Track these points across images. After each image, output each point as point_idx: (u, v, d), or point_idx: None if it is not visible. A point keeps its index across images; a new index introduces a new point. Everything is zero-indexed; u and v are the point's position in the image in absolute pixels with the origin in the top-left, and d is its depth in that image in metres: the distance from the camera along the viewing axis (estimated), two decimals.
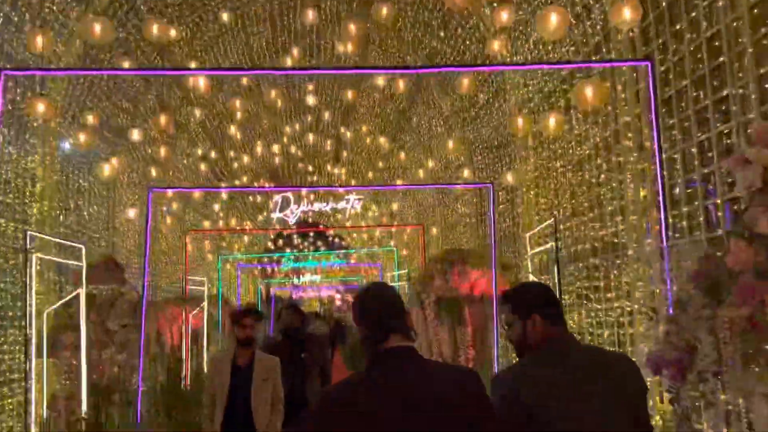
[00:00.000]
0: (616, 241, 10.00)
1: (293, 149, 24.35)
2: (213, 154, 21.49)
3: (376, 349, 2.59)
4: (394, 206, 23.24)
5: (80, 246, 10.24)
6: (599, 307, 10.49)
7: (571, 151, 11.83)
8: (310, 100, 16.88)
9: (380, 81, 15.43)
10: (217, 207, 25.90)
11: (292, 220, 11.34)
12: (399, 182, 21.02)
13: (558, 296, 9.90)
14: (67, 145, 13.92)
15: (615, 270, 9.99)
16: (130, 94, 17.42)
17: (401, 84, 15.51)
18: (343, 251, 32.33)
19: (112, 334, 11.06)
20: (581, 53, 11.10)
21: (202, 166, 23.12)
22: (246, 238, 33.38)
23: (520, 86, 14.04)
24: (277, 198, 11.01)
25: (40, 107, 8.61)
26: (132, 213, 16.96)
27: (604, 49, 10.18)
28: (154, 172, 18.69)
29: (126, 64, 12.10)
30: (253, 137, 25.78)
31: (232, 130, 18.27)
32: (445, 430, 2.41)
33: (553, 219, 9.16)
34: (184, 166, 23.53)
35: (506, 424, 2.63)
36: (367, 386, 2.51)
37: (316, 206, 11.29)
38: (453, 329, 12.67)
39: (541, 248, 10.79)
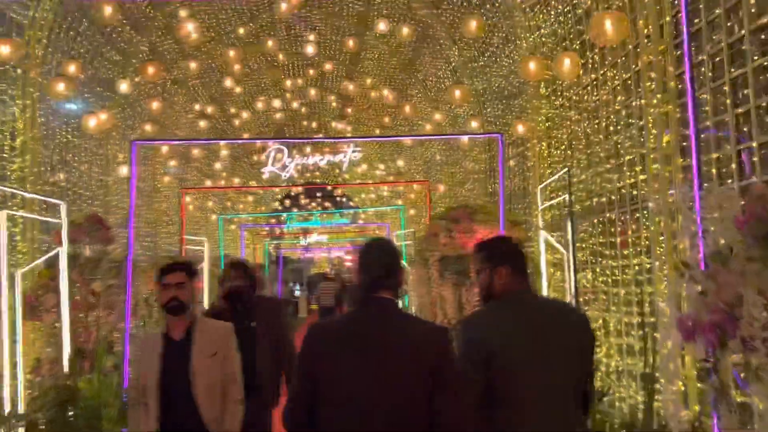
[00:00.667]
0: (634, 192, 9.21)
1: (295, 105, 23.54)
2: (212, 110, 20.62)
3: (363, 296, 2.98)
4: (400, 163, 22.41)
5: (59, 203, 9.55)
6: (615, 264, 9.76)
7: (586, 97, 10.95)
8: (311, 49, 15.97)
9: (382, 26, 14.44)
10: (218, 166, 25.23)
11: (285, 175, 10.59)
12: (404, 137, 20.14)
13: (571, 253, 9.17)
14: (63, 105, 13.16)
15: (633, 224, 9.23)
16: (120, 45, 16.57)
17: (405, 30, 14.58)
18: (347, 210, 31.64)
19: (98, 295, 10.48)
20: None
21: (201, 123, 22.34)
22: (251, 198, 32.75)
23: (532, 29, 13.07)
24: (270, 150, 10.24)
25: (4, 49, 7.89)
26: (125, 170, 16.29)
27: None
28: (149, 128, 17.95)
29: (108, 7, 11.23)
30: (253, 92, 24.99)
31: (229, 83, 17.37)
32: (406, 371, 2.78)
33: (566, 170, 8.33)
34: (183, 123, 22.76)
35: (468, 370, 2.93)
36: (346, 324, 3.03)
37: (311, 160, 10.52)
38: (458, 289, 12.02)
39: (553, 202, 10.01)
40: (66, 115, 14.25)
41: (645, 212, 8.90)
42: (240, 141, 19.12)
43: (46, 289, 10.05)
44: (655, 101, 8.42)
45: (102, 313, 10.58)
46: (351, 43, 16.63)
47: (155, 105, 15.46)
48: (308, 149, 10.65)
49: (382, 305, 2.94)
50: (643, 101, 8.65)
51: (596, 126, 10.45)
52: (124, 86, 13.83)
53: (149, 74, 13.14)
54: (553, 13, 12.10)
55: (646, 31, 8.53)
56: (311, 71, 22.35)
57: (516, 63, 14.43)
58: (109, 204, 17.01)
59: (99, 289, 10.24)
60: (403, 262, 17.07)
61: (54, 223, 10.39)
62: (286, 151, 10.35)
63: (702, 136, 7.50)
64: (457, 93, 13.18)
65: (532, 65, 10.33)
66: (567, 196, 8.36)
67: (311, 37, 16.77)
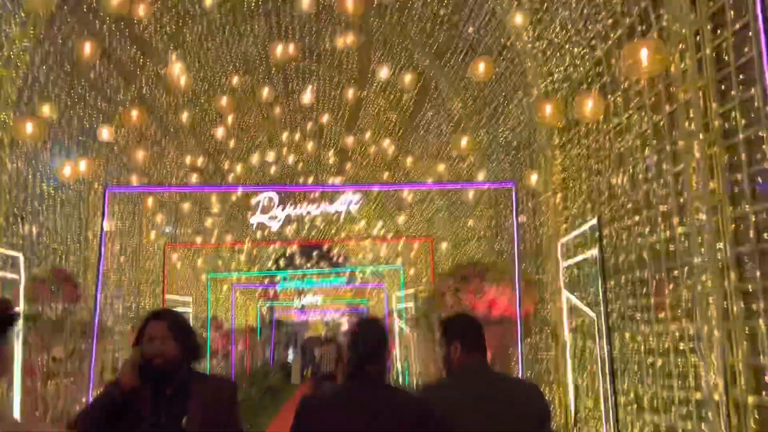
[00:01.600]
0: (671, 248, 8.09)
1: (291, 159, 22.69)
2: (204, 164, 19.70)
3: (352, 372, 3.35)
4: (400, 219, 21.39)
5: (16, 255, 8.40)
6: (649, 330, 8.55)
7: (608, 144, 9.97)
8: (309, 95, 15.16)
9: (383, 74, 13.64)
10: (209, 222, 24.19)
11: (275, 226, 9.49)
12: (405, 190, 19.16)
13: (604, 314, 7.98)
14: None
15: (671, 284, 8.07)
16: (107, 93, 15.75)
17: (408, 78, 13.79)
18: (343, 269, 30.43)
19: (59, 361, 9.18)
20: (620, 26, 9.29)
21: (193, 178, 21.36)
22: (243, 257, 31.56)
23: (544, 75, 12.23)
24: (260, 198, 9.19)
25: None
26: (106, 224, 15.21)
27: (652, 15, 8.37)
28: (135, 180, 16.95)
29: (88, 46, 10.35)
30: (248, 146, 24.21)
31: (221, 132, 16.48)
32: None
33: (595, 220, 7.25)
34: (173, 178, 21.82)
35: None
36: (337, 398, 3.38)
37: (305, 209, 9.45)
38: None
39: (576, 259, 8.88)
40: (41, 162, 13.25)
41: (685, 270, 7.76)
42: (223, 189, 18.08)
43: None
44: (695, 144, 7.40)
45: (63, 381, 9.26)
46: (350, 95, 15.83)
47: (141, 155, 14.45)
48: (304, 202, 9.79)
49: (370, 379, 3.30)
50: (681, 143, 7.64)
51: (622, 175, 9.42)
52: (105, 133, 12.87)
53: (132, 119, 12.19)
54: (567, 57, 11.26)
55: (682, 65, 7.60)
56: (309, 125, 21.59)
57: (525, 112, 13.57)
58: (87, 260, 15.83)
59: (60, 354, 8.96)
60: (403, 327, 15.64)
61: (12, 279, 9.19)
62: (276, 199, 9.28)
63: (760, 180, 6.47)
64: (463, 142, 12.24)
65: (548, 109, 9.39)
66: (595, 251, 7.24)
67: (309, 89, 15.95)
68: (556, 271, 11.31)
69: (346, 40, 13.84)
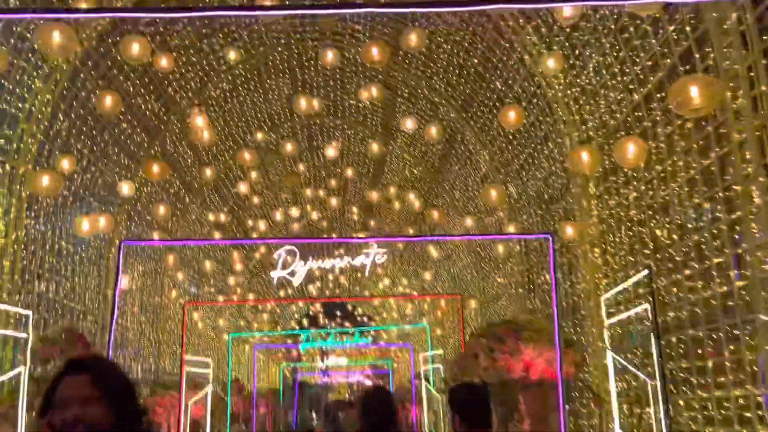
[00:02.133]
0: (729, 303, 7.37)
1: (315, 216, 22.32)
2: (227, 219, 19.38)
3: None
4: (427, 276, 20.72)
5: (26, 313, 7.94)
6: (707, 395, 7.73)
7: (651, 192, 9.36)
8: (331, 151, 14.85)
9: (409, 124, 13.29)
10: (232, 281, 23.71)
11: (296, 281, 8.94)
12: (432, 247, 18.57)
13: (659, 377, 7.19)
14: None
15: (731, 343, 7.31)
16: (130, 148, 15.62)
17: (434, 130, 13.40)
18: (367, 328, 29.63)
19: None
20: (661, 68, 8.84)
21: (216, 235, 21.01)
22: (265, 316, 30.94)
23: (577, 124, 11.75)
24: (281, 252, 8.68)
25: None
26: (125, 281, 14.83)
27: (697, 54, 7.89)
28: (156, 237, 16.63)
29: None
30: (271, 203, 23.95)
31: (244, 188, 16.18)
32: None
33: (646, 273, 6.61)
34: (194, 231, 21.53)
35: None
36: None
37: (328, 263, 8.91)
38: (504, 423, 10.00)
39: (621, 316, 8.16)
40: (60, 219, 12.99)
41: (747, 327, 7.02)
42: (242, 242, 17.62)
43: (2, 419, 8.22)
44: (753, 188, 6.78)
45: None
46: (374, 148, 15.50)
47: (162, 210, 14.15)
48: (326, 257, 9.16)
49: None
50: (737, 187, 7.02)
51: (668, 225, 8.78)
52: (126, 188, 12.58)
53: (154, 173, 11.91)
54: (602, 102, 10.79)
55: (735, 104, 7.06)
56: (332, 181, 21.29)
57: (558, 162, 13.04)
58: (105, 320, 15.38)
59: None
60: (431, 390, 14.62)
61: (22, 338, 8.70)
62: (298, 253, 8.76)
63: None
64: (493, 193, 11.69)
65: (585, 156, 8.84)
66: (645, 306, 6.55)
67: (333, 144, 15.66)
68: (598, 329, 10.56)
69: (370, 92, 13.59)
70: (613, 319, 8.19)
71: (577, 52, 11.00)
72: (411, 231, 22.83)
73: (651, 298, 6.39)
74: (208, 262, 20.02)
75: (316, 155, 25.02)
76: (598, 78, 10.68)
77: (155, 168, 12.01)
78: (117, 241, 16.05)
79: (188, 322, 22.84)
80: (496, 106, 14.98)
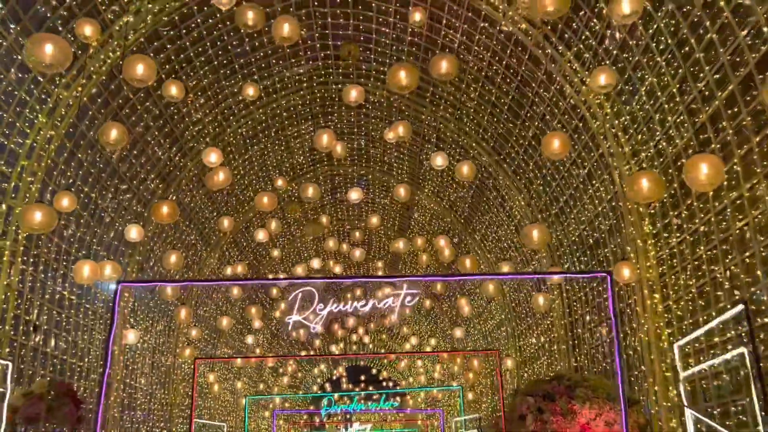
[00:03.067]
0: None
1: (338, 269, 21.16)
2: (245, 271, 18.28)
3: None
4: (458, 333, 19.30)
5: (5, 363, 6.85)
6: None
7: (724, 225, 8.12)
8: (354, 195, 13.83)
9: (440, 160, 12.29)
10: (250, 340, 22.48)
11: (317, 327, 7.77)
12: (464, 301, 17.22)
13: None
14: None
15: None
16: (143, 195, 14.79)
17: (465, 170, 12.36)
18: (395, 390, 28.01)
19: None
20: (730, 81, 7.76)
21: (234, 291, 19.90)
22: (286, 380, 29.45)
23: (627, 156, 10.62)
24: (297, 293, 7.56)
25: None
26: (132, 336, 13.72)
27: None
28: (169, 291, 15.56)
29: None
30: (292, 257, 22.96)
31: (261, 236, 15.16)
32: None
33: (741, 308, 5.35)
34: (211, 286, 20.49)
35: None
36: None
37: (350, 306, 7.73)
38: None
39: (704, 365, 6.82)
40: (61, 263, 12.01)
41: None
42: (251, 282, 16.49)
43: None
44: None
45: None
46: (402, 192, 14.44)
47: (174, 258, 13.13)
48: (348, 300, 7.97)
49: None
50: None
51: (748, 259, 7.50)
52: (134, 233, 11.62)
53: (164, 215, 10.96)
54: (658, 129, 9.68)
55: None
56: (357, 233, 20.24)
57: (604, 202, 11.86)
58: (111, 377, 14.22)
59: None
60: None
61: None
62: (317, 296, 7.62)
63: None
64: (535, 234, 10.46)
65: (646, 184, 7.68)
66: (744, 350, 5.25)
67: (357, 190, 14.62)
68: (662, 385, 9.14)
69: (397, 131, 12.66)
70: (694, 370, 6.82)
71: (626, 75, 9.98)
72: (439, 286, 21.51)
73: (750, 339, 5.08)
74: (224, 320, 18.83)
75: (339, 208, 24.15)
76: (651, 102, 9.61)
77: (165, 209, 11.06)
78: (126, 294, 15.10)
79: (203, 383, 21.61)
80: (533, 145, 13.96)
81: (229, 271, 19.20)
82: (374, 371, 40.41)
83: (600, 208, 12.05)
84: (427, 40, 13.97)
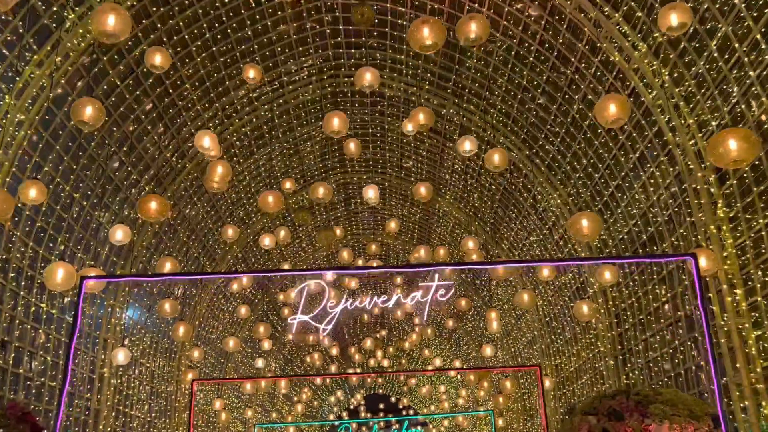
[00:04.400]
0: None
1: (353, 284, 19.55)
2: (250, 287, 16.74)
3: None
4: (488, 351, 17.51)
5: None
6: None
7: None
8: (371, 192, 12.28)
9: (468, 146, 10.72)
10: (260, 363, 20.81)
11: (327, 328, 6.20)
12: (493, 314, 15.47)
13: None
14: None
15: None
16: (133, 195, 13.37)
17: (496, 158, 10.79)
18: (419, 416, 26.17)
19: None
20: None
21: (242, 310, 18.31)
22: (300, 408, 27.68)
23: (692, 128, 9.02)
24: (303, 287, 6.01)
25: None
26: (121, 355, 12.17)
27: None
28: (168, 308, 14.03)
29: None
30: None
31: (267, 242, 13.61)
32: None
33: None
34: (216, 305, 18.96)
35: None
36: None
37: (369, 303, 6.14)
38: None
39: None
40: (39, 274, 10.54)
41: None
42: (250, 274, 14.86)
43: None
44: None
45: None
46: (423, 191, 12.87)
47: (169, 265, 11.63)
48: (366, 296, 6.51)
49: None
50: None
51: None
52: (120, 234, 10.15)
53: (151, 212, 9.50)
54: (734, 91, 8.08)
55: None
56: (373, 246, 18.63)
57: (662, 188, 10.21)
58: (100, 403, 12.62)
59: None
60: None
61: None
62: (328, 291, 6.06)
63: None
64: (584, 223, 8.84)
65: (735, 143, 6.11)
66: None
67: (371, 191, 13.07)
68: (753, 398, 7.43)
69: (417, 118, 11.17)
70: None
71: (690, 30, 8.42)
72: (464, 302, 19.79)
73: None
74: (231, 341, 17.21)
75: (354, 220, 22.58)
76: (726, 57, 8.03)
77: (153, 204, 9.59)
78: (117, 310, 13.59)
79: (209, 411, 19.95)
80: (570, 133, 12.38)
81: (235, 287, 17.66)
82: (393, 399, 38.52)
83: (656, 197, 10.41)
84: (448, 19, 12.53)
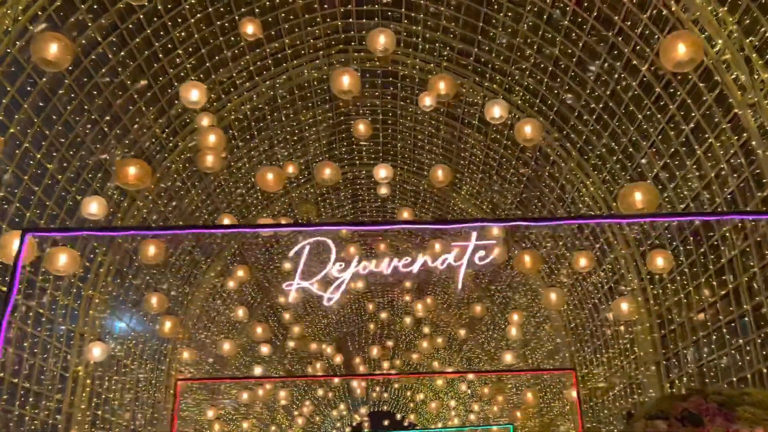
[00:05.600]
0: None
1: (360, 284, 18.12)
2: (247, 277, 15.41)
3: None
4: (508, 357, 15.91)
5: None
6: None
7: None
8: (383, 172, 10.92)
9: (497, 113, 9.36)
10: (258, 371, 19.28)
11: (333, 297, 4.81)
12: (515, 316, 13.94)
13: None
14: None
15: None
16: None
17: (528, 130, 9.44)
18: (430, 431, 24.61)
19: None
20: None
21: (240, 312, 16.87)
22: (300, 421, 26.09)
23: (767, 85, 7.63)
24: (304, 245, 4.67)
25: None
26: (98, 351, 10.73)
27: None
28: (155, 302, 12.62)
29: None
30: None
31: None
32: None
33: None
34: (209, 305, 17.55)
35: None
36: None
37: (388, 266, 4.79)
38: None
39: None
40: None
41: None
42: (238, 230, 13.52)
43: None
44: None
45: None
46: (440, 174, 11.54)
47: (153, 250, 10.26)
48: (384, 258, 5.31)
49: None
50: None
51: None
52: (94, 206, 8.81)
53: (130, 178, 8.17)
54: None
55: None
56: (381, 245, 17.19)
57: (722, 160, 8.77)
58: (74, 405, 11.18)
59: None
60: None
61: None
62: (333, 249, 4.69)
63: None
64: (638, 195, 7.45)
65: None
66: None
67: (384, 171, 11.73)
68: None
69: (437, 87, 9.90)
70: None
71: None
72: (478, 308, 18.34)
73: None
74: (227, 344, 15.75)
75: (361, 217, 21.02)
76: None
77: (132, 169, 8.24)
78: (96, 301, 12.19)
79: (203, 422, 18.42)
80: (609, 108, 10.98)
81: (231, 284, 16.24)
82: (399, 416, 36.91)
83: (714, 173, 8.99)
84: None
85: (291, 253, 4.78)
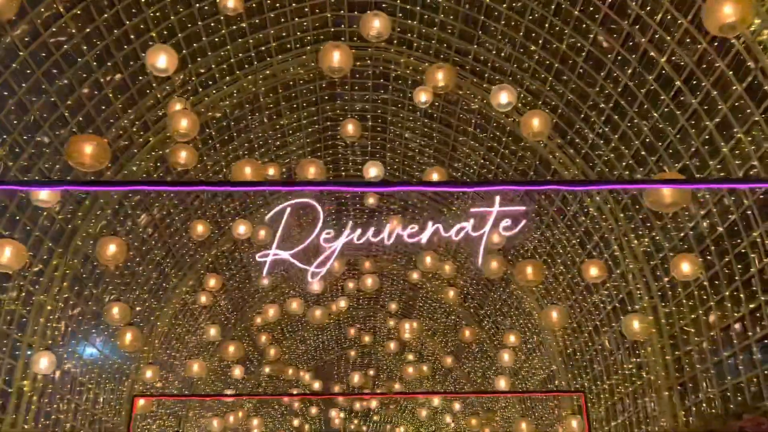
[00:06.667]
0: None
1: (342, 303, 16.99)
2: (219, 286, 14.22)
3: None
4: (501, 383, 14.73)
5: None
6: None
7: None
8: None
9: (504, 97, 8.46)
10: (237, 372, 17.82)
11: (319, 271, 3.77)
12: (512, 337, 12.86)
13: None
14: None
15: None
16: None
17: (536, 123, 8.55)
18: None
19: None
20: None
21: (212, 332, 15.59)
22: None
23: None
24: (284, 207, 3.64)
25: None
26: (45, 362, 9.43)
27: None
28: (116, 312, 11.40)
29: None
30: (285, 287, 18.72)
31: (242, 230, 11.15)
32: None
33: None
34: (182, 319, 16.25)
35: None
36: None
37: (390, 234, 3.80)
38: None
39: None
40: None
41: None
42: (242, 188, 12.39)
43: None
44: None
45: None
46: (436, 177, 10.58)
47: (113, 249, 9.12)
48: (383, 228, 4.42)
49: None
50: None
51: None
52: (44, 194, 7.70)
53: (86, 156, 7.09)
54: None
55: None
56: (366, 263, 16.15)
57: (753, 157, 7.89)
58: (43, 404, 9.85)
59: None
60: None
61: None
62: (322, 214, 3.67)
63: None
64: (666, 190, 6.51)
65: None
66: None
67: (374, 169, 10.75)
68: None
69: (436, 79, 9.10)
70: None
71: None
72: (467, 333, 17.27)
73: None
74: (195, 365, 14.45)
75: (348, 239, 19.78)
76: None
77: (87, 148, 7.16)
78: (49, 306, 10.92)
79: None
80: (620, 107, 10.10)
81: (203, 299, 15.01)
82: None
83: (742, 172, 8.10)
84: None
85: (267, 217, 3.73)
